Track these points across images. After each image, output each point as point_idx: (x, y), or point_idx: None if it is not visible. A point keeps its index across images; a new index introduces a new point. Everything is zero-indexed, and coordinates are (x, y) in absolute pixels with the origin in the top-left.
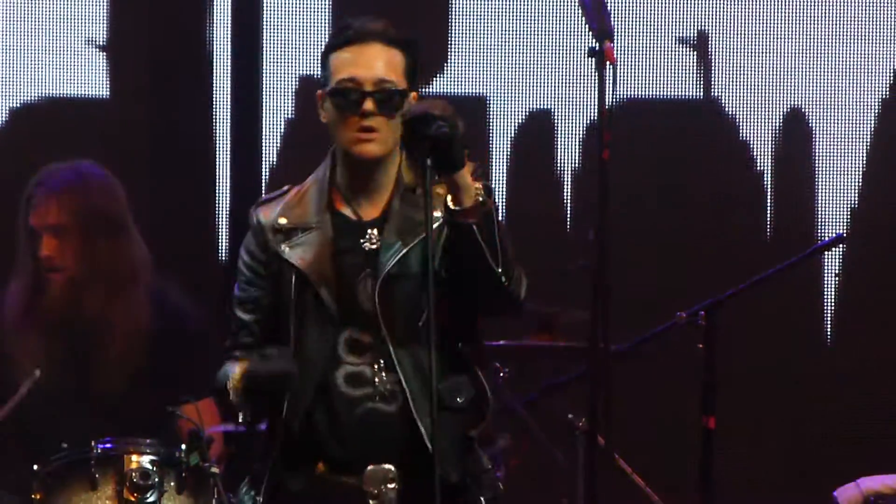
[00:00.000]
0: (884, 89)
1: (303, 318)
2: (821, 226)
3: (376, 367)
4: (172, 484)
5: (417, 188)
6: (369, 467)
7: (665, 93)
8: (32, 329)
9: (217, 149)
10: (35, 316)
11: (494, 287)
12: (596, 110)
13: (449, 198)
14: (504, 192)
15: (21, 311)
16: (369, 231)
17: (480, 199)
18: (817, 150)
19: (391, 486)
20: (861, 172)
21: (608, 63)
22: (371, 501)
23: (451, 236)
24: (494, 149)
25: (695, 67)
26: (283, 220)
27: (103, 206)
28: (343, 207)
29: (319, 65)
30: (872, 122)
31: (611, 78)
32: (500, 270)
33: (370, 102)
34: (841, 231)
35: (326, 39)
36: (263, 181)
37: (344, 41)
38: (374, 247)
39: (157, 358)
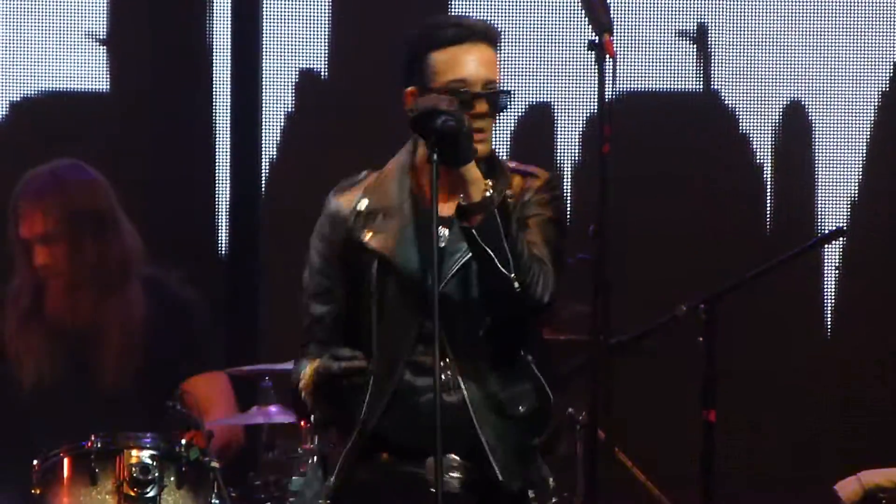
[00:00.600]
0: (884, 82)
1: (384, 305)
2: (820, 219)
3: (441, 358)
4: (172, 478)
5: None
6: (431, 457)
7: (665, 86)
8: (35, 333)
9: (217, 143)
10: (38, 320)
11: (508, 292)
12: (596, 104)
13: (460, 196)
14: None
15: (24, 316)
16: (441, 227)
17: (488, 194)
18: (817, 143)
19: (454, 475)
20: (861, 165)
21: (608, 56)
22: (433, 490)
23: (465, 233)
24: (495, 142)
25: (695, 60)
26: (364, 203)
27: (84, 206)
28: (423, 197)
29: (407, 61)
30: (872, 114)
31: (611, 71)
32: (511, 275)
33: (483, 104)
34: (841, 224)
35: (327, 34)
36: (263, 175)
37: (447, 40)
38: (442, 244)
39: (160, 349)
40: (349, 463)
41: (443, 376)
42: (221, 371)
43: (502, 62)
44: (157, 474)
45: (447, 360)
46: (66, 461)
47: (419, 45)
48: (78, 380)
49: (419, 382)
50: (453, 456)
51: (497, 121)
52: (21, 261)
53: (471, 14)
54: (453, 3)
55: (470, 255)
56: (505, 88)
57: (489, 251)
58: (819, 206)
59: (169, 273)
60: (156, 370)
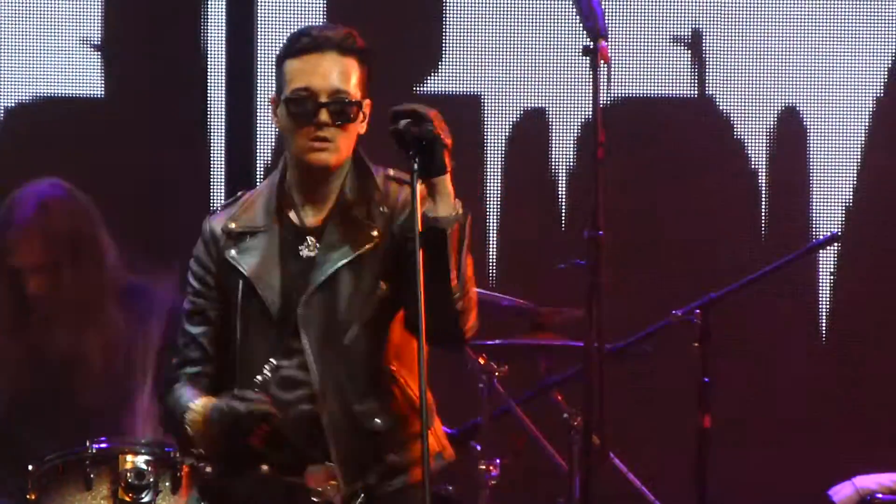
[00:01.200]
0: (878, 88)
1: (247, 324)
2: (815, 224)
3: (303, 370)
4: (167, 484)
5: (354, 208)
6: (310, 466)
7: (659, 92)
8: (15, 361)
9: (212, 148)
10: (19, 348)
11: (446, 310)
12: (590, 109)
13: (428, 203)
14: (498, 191)
15: (7, 343)
16: (308, 238)
17: (456, 212)
18: (812, 149)
19: (333, 482)
20: (855, 171)
21: (602, 62)
22: (314, 499)
23: (423, 242)
24: (489, 147)
25: (689, 66)
26: (232, 225)
27: (72, 233)
28: (290, 213)
29: (275, 72)
30: (867, 120)
31: (605, 77)
32: (457, 294)
33: (325, 113)
34: (836, 230)
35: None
36: (258, 180)
37: (299, 49)
38: (311, 254)
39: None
40: (222, 479)
41: (307, 389)
42: None
43: (497, 66)
44: (152, 479)
45: (310, 370)
46: (60, 466)
47: (280, 54)
48: (57, 402)
49: (286, 396)
50: (330, 464)
51: (346, 130)
52: (3, 288)
53: (464, 19)
54: (447, 10)
55: (337, 266)
56: (354, 100)
57: (449, 261)
58: (814, 212)
59: (158, 279)
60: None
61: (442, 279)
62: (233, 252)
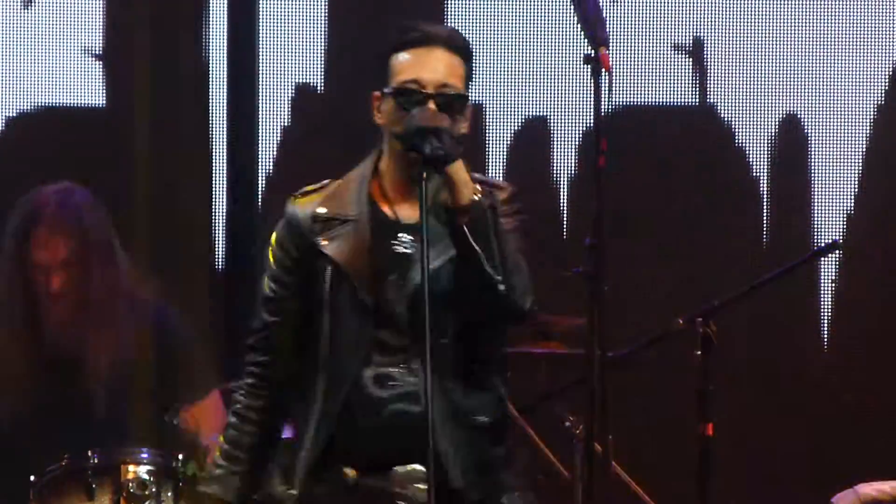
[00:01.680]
0: (880, 95)
1: (337, 314)
2: (817, 232)
3: (404, 368)
4: (169, 494)
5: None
6: (397, 468)
7: (661, 100)
8: (25, 358)
9: (214, 157)
10: (31, 346)
11: (492, 295)
12: (592, 117)
13: (447, 198)
14: None
15: (14, 341)
16: (403, 234)
17: (477, 197)
18: (813, 156)
19: (420, 486)
20: (857, 179)
21: (604, 70)
22: (399, 502)
23: (451, 234)
24: (491, 155)
25: (691, 74)
26: (322, 210)
27: (97, 235)
28: (382, 204)
29: (377, 66)
30: (868, 127)
31: (607, 85)
32: (497, 277)
33: (432, 104)
34: (837, 237)
35: (324, 49)
36: (260, 189)
37: (407, 43)
38: (406, 251)
39: (153, 373)
40: (307, 477)
41: (409, 387)
42: (214, 389)
43: (499, 74)
44: (154, 489)
45: (412, 368)
46: (63, 476)
47: (387, 49)
48: (64, 407)
49: (384, 394)
50: (419, 467)
51: (452, 124)
52: (14, 284)
53: (465, 28)
54: (448, 15)
55: (438, 262)
56: (463, 93)
57: (479, 250)
58: (815, 219)
59: (169, 305)
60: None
61: (477, 267)
62: (321, 238)
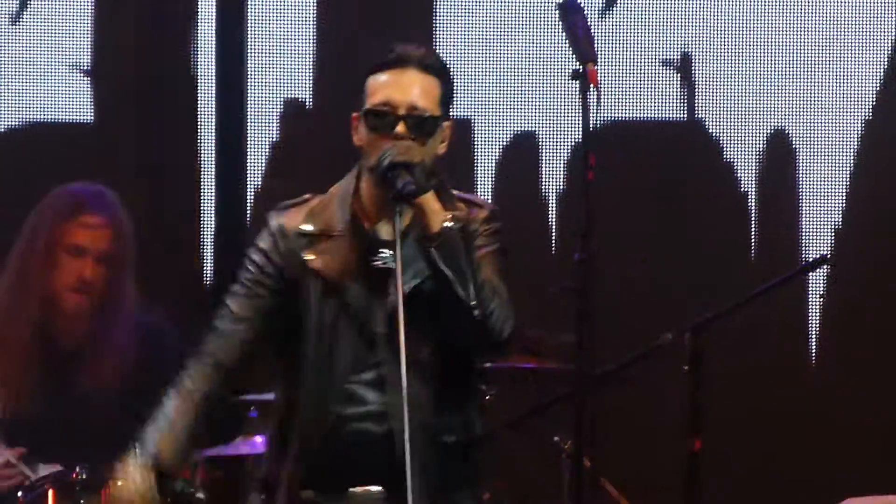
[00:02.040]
0: (866, 110)
1: (323, 327)
2: (805, 246)
3: (374, 386)
4: None
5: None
6: (353, 489)
7: (649, 115)
8: (31, 347)
9: (202, 173)
10: (37, 331)
11: (467, 320)
12: (580, 132)
13: (417, 225)
14: None
15: (20, 323)
16: (382, 250)
17: (448, 225)
18: (801, 171)
19: None
20: (845, 193)
21: (592, 85)
22: None
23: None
24: (479, 171)
25: (678, 89)
26: (307, 226)
27: (130, 243)
28: (364, 220)
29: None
30: (855, 142)
31: (594, 100)
32: (472, 302)
33: (402, 126)
34: (825, 252)
35: (312, 64)
36: (248, 205)
37: (383, 65)
38: (388, 266)
39: (143, 383)
40: (288, 493)
41: (375, 406)
42: None
43: (487, 90)
44: None
45: (383, 386)
46: (50, 492)
47: (366, 71)
48: (60, 406)
49: (348, 411)
50: (374, 488)
51: (425, 145)
52: (42, 262)
53: (454, 43)
54: (437, 31)
55: (415, 281)
56: (433, 116)
57: (450, 275)
58: (803, 234)
59: (165, 322)
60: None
61: (450, 293)
62: (309, 253)
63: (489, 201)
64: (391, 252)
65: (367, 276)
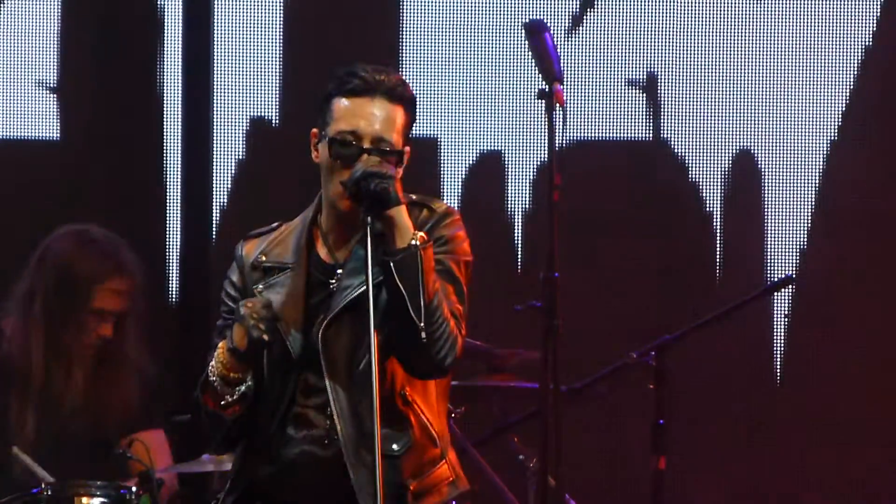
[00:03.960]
0: (832, 131)
1: (271, 355)
2: (770, 267)
3: (321, 410)
4: None
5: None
6: None
7: (615, 135)
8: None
9: (168, 191)
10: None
11: (412, 339)
12: (546, 152)
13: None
14: None
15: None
16: (338, 272)
17: (413, 242)
18: (766, 192)
19: None
20: (810, 214)
21: (558, 105)
22: None
23: (381, 275)
24: (446, 189)
25: (644, 109)
26: (262, 258)
27: (137, 299)
28: (321, 249)
29: (319, 101)
30: (821, 163)
31: (560, 120)
32: (420, 324)
33: (364, 157)
34: (790, 272)
35: (278, 81)
36: (214, 223)
37: (350, 90)
38: (333, 286)
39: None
40: None
41: (323, 431)
42: (160, 429)
43: (454, 109)
44: None
45: (328, 410)
46: None
47: (330, 89)
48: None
49: (296, 434)
50: None
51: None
52: (83, 330)
53: (421, 62)
54: (403, 50)
55: (358, 292)
56: (397, 149)
57: (402, 291)
58: (768, 254)
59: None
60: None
61: (402, 310)
62: (260, 286)
63: (450, 205)
64: (340, 272)
65: (315, 300)
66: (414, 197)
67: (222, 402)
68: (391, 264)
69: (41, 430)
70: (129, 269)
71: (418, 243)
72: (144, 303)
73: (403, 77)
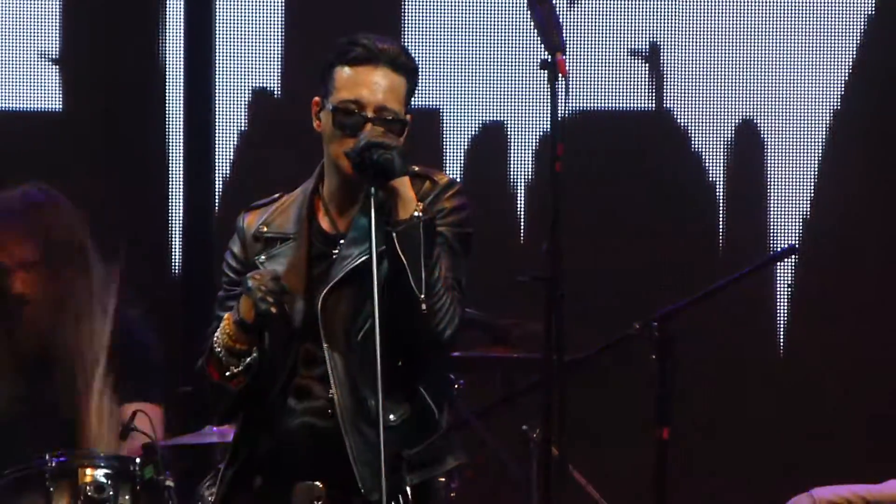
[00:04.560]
0: (835, 101)
1: (272, 326)
2: (773, 236)
3: (322, 381)
4: (127, 497)
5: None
6: (298, 484)
7: (617, 105)
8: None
9: (170, 161)
10: (3, 349)
11: (412, 311)
12: (549, 122)
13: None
14: None
15: None
16: (340, 242)
17: (417, 214)
18: (769, 162)
19: (318, 502)
20: (813, 184)
21: (560, 75)
22: None
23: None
24: (448, 160)
25: (647, 79)
26: (264, 229)
27: (62, 235)
28: (322, 219)
29: (321, 70)
30: (824, 133)
31: (563, 90)
32: (420, 296)
33: (369, 128)
34: (793, 242)
35: (281, 53)
36: (216, 194)
37: (353, 59)
38: (333, 257)
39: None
40: (226, 487)
41: (322, 402)
42: (159, 405)
43: (456, 80)
44: (111, 493)
45: (328, 381)
46: (21, 480)
47: (332, 58)
48: (32, 405)
49: (296, 405)
50: (318, 484)
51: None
52: None
53: (422, 33)
54: (405, 20)
55: (359, 261)
56: (399, 118)
57: (404, 262)
58: (771, 224)
59: (133, 312)
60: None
61: (402, 281)
62: (262, 258)
63: (452, 177)
64: (342, 242)
65: (317, 271)
66: (416, 169)
67: (227, 374)
68: (393, 235)
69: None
70: (15, 218)
71: (421, 215)
72: (75, 236)
73: (406, 47)
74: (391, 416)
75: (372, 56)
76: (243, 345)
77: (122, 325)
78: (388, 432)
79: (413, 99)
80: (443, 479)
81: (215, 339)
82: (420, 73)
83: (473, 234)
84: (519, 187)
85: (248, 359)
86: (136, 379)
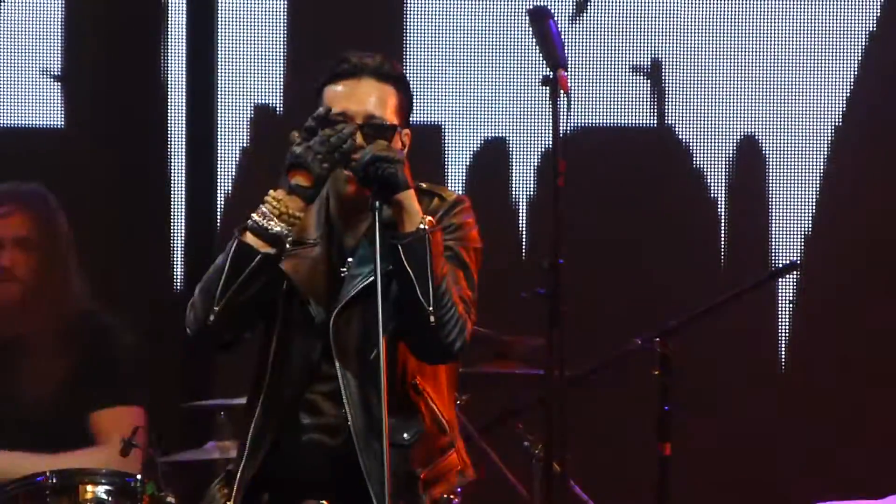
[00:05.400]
0: (837, 117)
1: (288, 331)
2: (774, 252)
3: (330, 398)
4: None
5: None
6: (308, 500)
7: (619, 121)
8: None
9: (172, 178)
10: None
11: (421, 323)
12: (550, 138)
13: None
14: None
15: None
16: (348, 260)
17: (423, 226)
18: (770, 178)
19: None
20: (815, 199)
21: (562, 91)
22: None
23: (391, 259)
24: (450, 176)
25: (649, 95)
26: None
27: (61, 229)
28: (335, 233)
29: (315, 93)
30: (826, 149)
31: (565, 106)
32: (429, 308)
33: (359, 136)
34: (795, 258)
35: (283, 69)
36: (218, 210)
37: (337, 75)
38: (343, 273)
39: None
40: (243, 500)
41: (330, 418)
42: (140, 406)
43: (458, 95)
44: None
45: (339, 398)
46: (20, 497)
47: (322, 80)
48: (6, 394)
49: (305, 421)
50: (323, 503)
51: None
52: None
53: (425, 49)
54: (408, 36)
55: (368, 281)
56: (388, 123)
57: (411, 274)
58: (773, 240)
59: (113, 318)
60: (74, 394)
61: (410, 294)
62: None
63: (460, 194)
64: (350, 260)
65: (333, 283)
66: (424, 185)
67: (254, 262)
68: (399, 247)
69: None
70: (17, 198)
71: (427, 227)
72: (61, 228)
73: (403, 67)
74: (405, 435)
75: (356, 69)
76: (300, 211)
77: (97, 331)
78: (401, 451)
79: (415, 115)
80: (453, 497)
81: (254, 216)
82: (422, 90)
83: (481, 249)
84: (521, 203)
85: (291, 234)
86: (107, 385)
